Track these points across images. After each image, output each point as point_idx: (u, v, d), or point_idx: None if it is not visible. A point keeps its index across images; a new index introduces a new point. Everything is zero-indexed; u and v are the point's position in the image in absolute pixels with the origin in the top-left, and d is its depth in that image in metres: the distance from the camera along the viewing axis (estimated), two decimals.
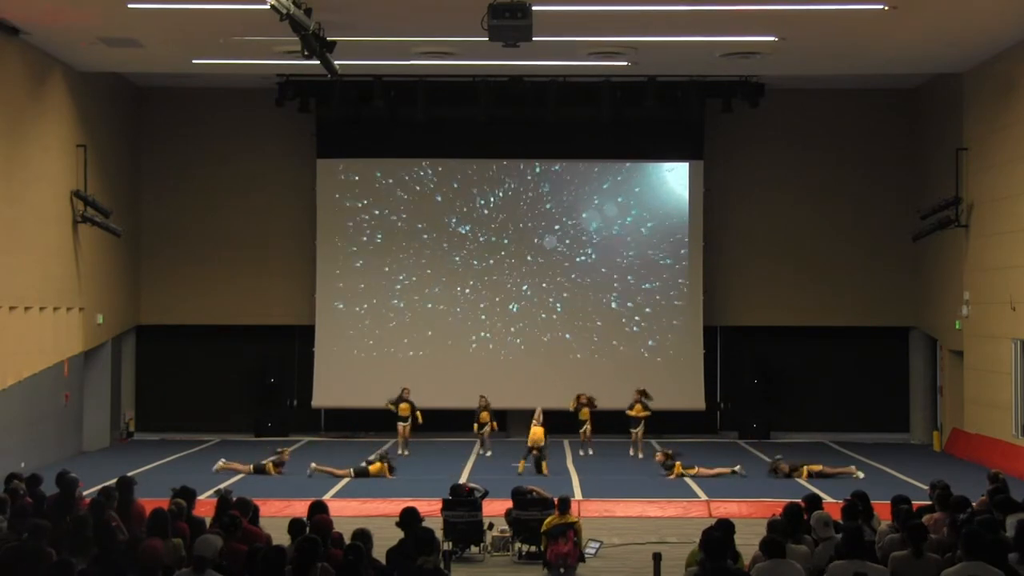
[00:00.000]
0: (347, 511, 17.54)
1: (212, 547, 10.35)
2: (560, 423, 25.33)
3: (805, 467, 21.68)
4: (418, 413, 25.10)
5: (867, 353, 29.55)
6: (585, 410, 24.81)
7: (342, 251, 28.81)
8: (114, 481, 13.37)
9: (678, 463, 21.76)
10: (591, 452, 24.88)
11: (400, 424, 25.19)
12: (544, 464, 21.82)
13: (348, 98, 27.18)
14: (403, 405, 25.14)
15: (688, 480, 21.30)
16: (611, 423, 27.42)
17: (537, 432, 22.09)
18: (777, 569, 9.58)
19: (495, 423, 25.01)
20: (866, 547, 10.07)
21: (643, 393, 24.83)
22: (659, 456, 22.18)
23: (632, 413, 24.84)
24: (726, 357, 29.49)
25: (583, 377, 27.23)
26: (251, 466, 22.10)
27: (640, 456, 24.44)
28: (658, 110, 27.08)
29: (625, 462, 24.02)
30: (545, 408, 23.19)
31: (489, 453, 24.73)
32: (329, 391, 28.66)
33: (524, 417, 25.08)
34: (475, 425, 24.84)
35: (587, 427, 24.86)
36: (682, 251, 28.65)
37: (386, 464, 21.97)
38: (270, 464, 22.01)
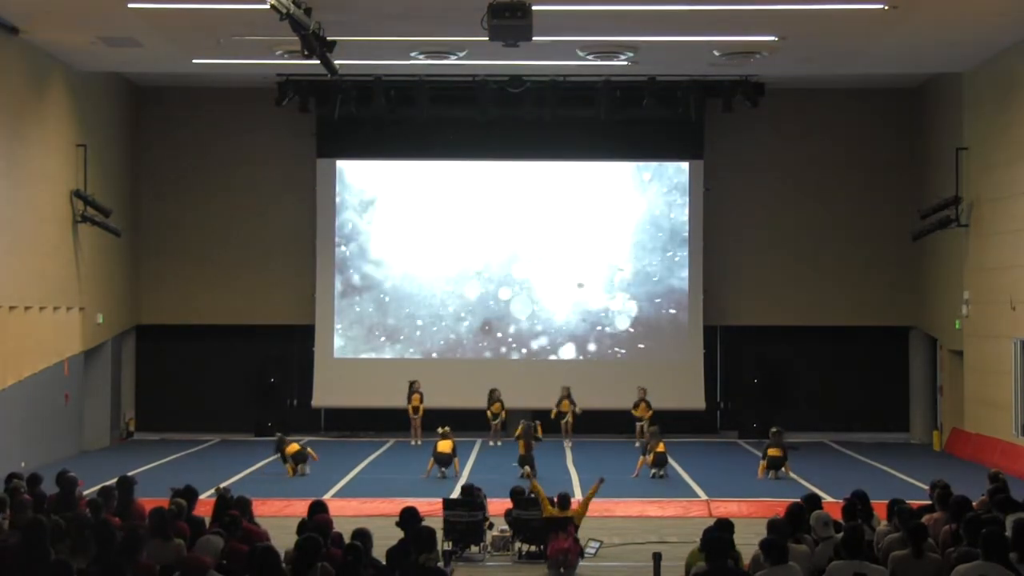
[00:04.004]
0: (347, 511, 17.52)
1: (213, 548, 10.34)
2: (555, 424, 26.34)
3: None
4: (421, 407, 26.45)
5: (867, 353, 29.52)
6: (565, 402, 26.14)
7: (342, 251, 28.80)
8: (114, 481, 13.37)
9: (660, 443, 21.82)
10: (570, 445, 25.90)
11: (413, 416, 26.45)
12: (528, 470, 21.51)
13: (348, 98, 27.15)
14: (415, 396, 26.42)
15: (688, 480, 21.33)
16: (610, 423, 27.54)
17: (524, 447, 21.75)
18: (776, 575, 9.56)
19: (505, 412, 26.17)
20: (866, 547, 10.06)
21: (644, 391, 26.07)
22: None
23: (637, 413, 26.11)
24: (726, 357, 29.48)
25: (583, 377, 27.29)
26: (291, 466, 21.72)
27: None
28: (658, 110, 27.03)
29: (625, 462, 23.98)
30: (541, 408, 23.51)
31: (499, 443, 25.74)
32: (329, 391, 28.65)
33: (523, 417, 25.18)
34: (488, 414, 26.17)
35: (568, 419, 26.18)
36: (682, 251, 28.64)
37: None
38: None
